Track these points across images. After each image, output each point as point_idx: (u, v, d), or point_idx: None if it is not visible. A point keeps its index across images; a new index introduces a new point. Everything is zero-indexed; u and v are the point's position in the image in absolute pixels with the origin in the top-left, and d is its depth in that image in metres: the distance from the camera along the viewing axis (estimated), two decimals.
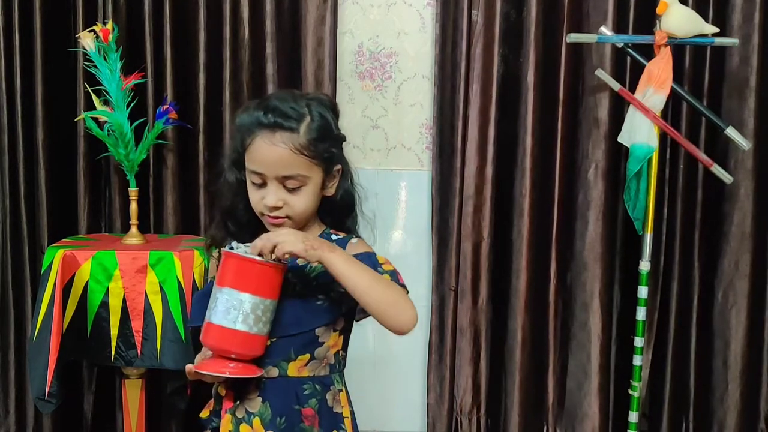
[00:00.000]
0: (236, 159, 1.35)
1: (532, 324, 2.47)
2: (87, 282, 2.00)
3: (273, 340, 1.32)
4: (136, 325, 2.01)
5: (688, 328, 2.50)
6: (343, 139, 1.37)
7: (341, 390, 1.40)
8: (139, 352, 2.01)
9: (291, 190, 1.30)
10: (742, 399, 2.48)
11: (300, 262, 1.33)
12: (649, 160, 2.20)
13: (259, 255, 1.24)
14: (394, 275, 1.33)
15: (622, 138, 2.24)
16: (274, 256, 1.24)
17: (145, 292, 2.01)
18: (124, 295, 2.01)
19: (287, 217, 1.31)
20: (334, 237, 1.38)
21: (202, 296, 1.40)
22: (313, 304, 1.33)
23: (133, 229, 2.18)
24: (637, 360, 2.32)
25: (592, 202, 2.42)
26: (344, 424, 1.38)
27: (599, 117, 2.40)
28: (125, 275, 2.01)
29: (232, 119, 2.29)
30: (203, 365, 1.27)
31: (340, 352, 1.40)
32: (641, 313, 2.31)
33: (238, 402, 1.35)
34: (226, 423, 1.34)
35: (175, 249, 2.06)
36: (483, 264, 2.47)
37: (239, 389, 1.35)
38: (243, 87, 2.38)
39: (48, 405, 1.94)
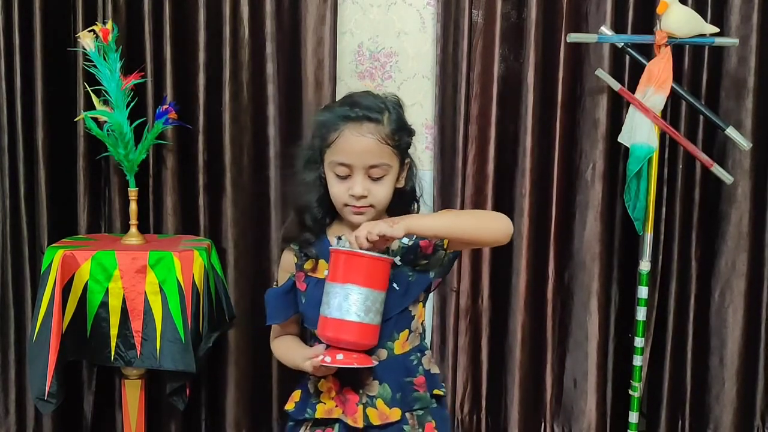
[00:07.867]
0: (313, 157, 1.44)
1: (531, 323, 2.48)
2: (87, 282, 2.00)
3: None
4: (136, 325, 2.01)
5: (685, 327, 2.51)
6: (413, 132, 1.47)
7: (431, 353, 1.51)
8: (138, 352, 2.00)
9: (375, 180, 1.39)
10: (738, 397, 2.50)
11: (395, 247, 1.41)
12: (650, 160, 2.21)
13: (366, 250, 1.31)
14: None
15: (623, 138, 2.24)
16: (368, 246, 1.29)
17: (145, 293, 2.01)
18: (123, 295, 2.00)
19: (371, 206, 1.40)
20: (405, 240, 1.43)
21: (279, 294, 1.49)
22: (405, 282, 1.41)
23: (133, 230, 2.18)
24: (638, 360, 2.33)
25: (590, 202, 2.43)
26: (443, 383, 1.50)
27: (598, 117, 2.40)
28: (125, 275, 2.01)
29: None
30: (334, 360, 1.33)
31: (423, 321, 1.50)
32: (641, 314, 2.31)
33: (361, 391, 1.41)
34: (359, 416, 1.39)
35: (175, 249, 2.06)
36: (483, 263, 2.48)
37: (354, 382, 1.41)
38: (243, 87, 2.37)
39: (48, 405, 1.93)
